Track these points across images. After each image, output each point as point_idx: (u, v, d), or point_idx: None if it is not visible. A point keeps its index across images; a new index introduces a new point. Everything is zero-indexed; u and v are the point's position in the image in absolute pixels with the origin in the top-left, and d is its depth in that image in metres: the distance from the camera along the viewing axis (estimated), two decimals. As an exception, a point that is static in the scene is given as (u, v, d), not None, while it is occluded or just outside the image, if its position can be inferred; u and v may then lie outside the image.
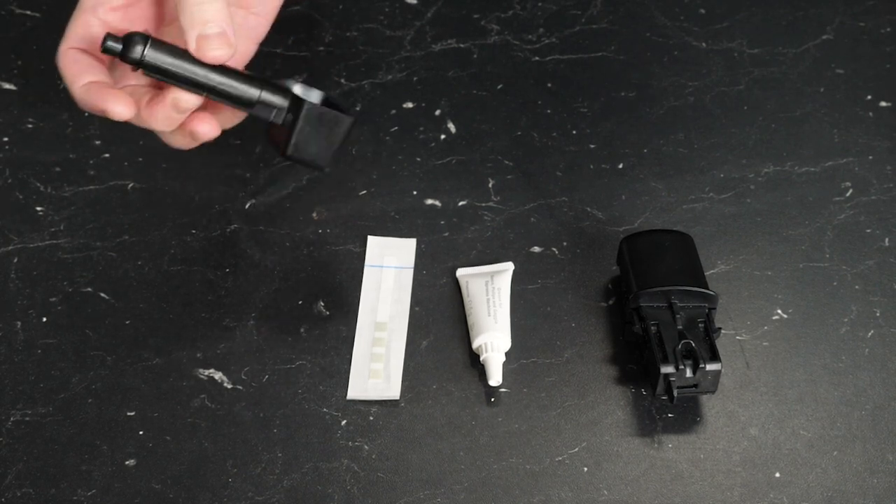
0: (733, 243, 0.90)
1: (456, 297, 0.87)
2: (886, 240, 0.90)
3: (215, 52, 0.72)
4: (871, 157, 0.94)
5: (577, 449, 0.80)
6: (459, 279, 0.88)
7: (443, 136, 0.96)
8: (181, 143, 0.78)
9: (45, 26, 1.02)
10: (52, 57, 0.76)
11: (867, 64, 1.01)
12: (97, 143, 0.95)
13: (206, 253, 0.89)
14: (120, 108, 0.73)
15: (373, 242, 0.90)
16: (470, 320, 0.85)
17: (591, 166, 0.94)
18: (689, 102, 0.98)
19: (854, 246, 0.89)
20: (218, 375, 0.83)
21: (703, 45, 1.02)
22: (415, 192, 0.93)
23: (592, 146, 0.96)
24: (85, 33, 0.76)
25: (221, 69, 0.74)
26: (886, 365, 0.83)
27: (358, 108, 0.98)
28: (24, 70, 0.99)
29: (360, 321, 0.86)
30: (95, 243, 0.90)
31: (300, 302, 0.87)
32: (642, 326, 0.81)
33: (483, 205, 0.92)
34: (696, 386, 0.79)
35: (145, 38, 0.73)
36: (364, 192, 0.93)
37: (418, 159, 0.95)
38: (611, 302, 0.87)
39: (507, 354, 0.84)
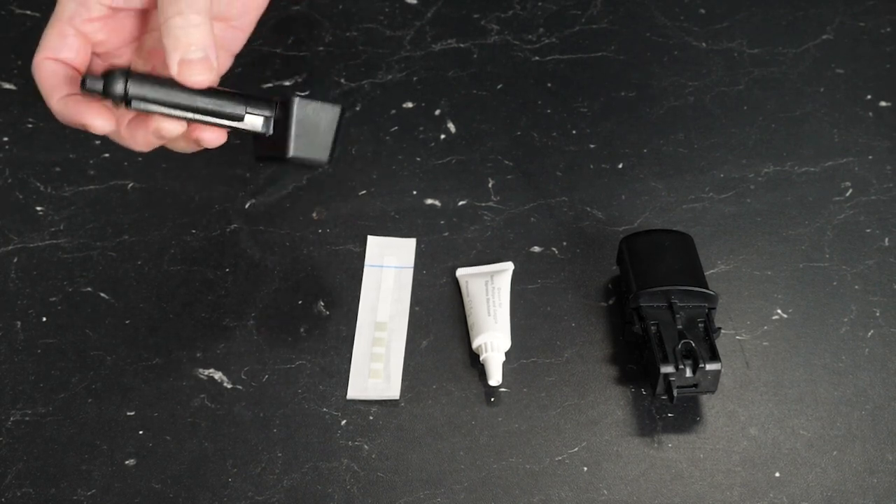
0: (733, 243, 0.90)
1: (456, 297, 0.87)
2: (886, 240, 0.90)
3: (197, 78, 0.72)
4: (871, 157, 0.94)
5: (577, 449, 0.80)
6: (459, 279, 0.88)
7: (443, 136, 0.96)
8: (185, 148, 0.77)
9: (45, 26, 1.02)
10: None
11: (867, 64, 1.01)
12: (97, 143, 0.95)
13: (206, 253, 0.89)
14: (100, 122, 0.73)
15: (373, 242, 0.90)
16: (470, 320, 0.85)
17: (591, 166, 0.95)
18: (689, 102, 0.98)
19: (854, 246, 0.89)
20: (218, 375, 0.83)
21: (703, 45, 1.02)
22: (415, 192, 0.93)
23: (592, 146, 0.96)
24: (60, 44, 0.74)
25: (204, 91, 0.74)
26: (886, 365, 0.83)
27: (358, 108, 0.98)
28: (24, 70, 0.99)
29: (360, 321, 0.86)
30: (95, 243, 0.90)
31: (300, 302, 0.87)
32: (642, 326, 0.81)
33: (483, 205, 0.92)
34: (696, 386, 0.79)
35: (125, 73, 0.72)
36: (364, 191, 0.93)
37: (418, 159, 0.95)
38: (611, 302, 0.87)
39: (507, 354, 0.84)
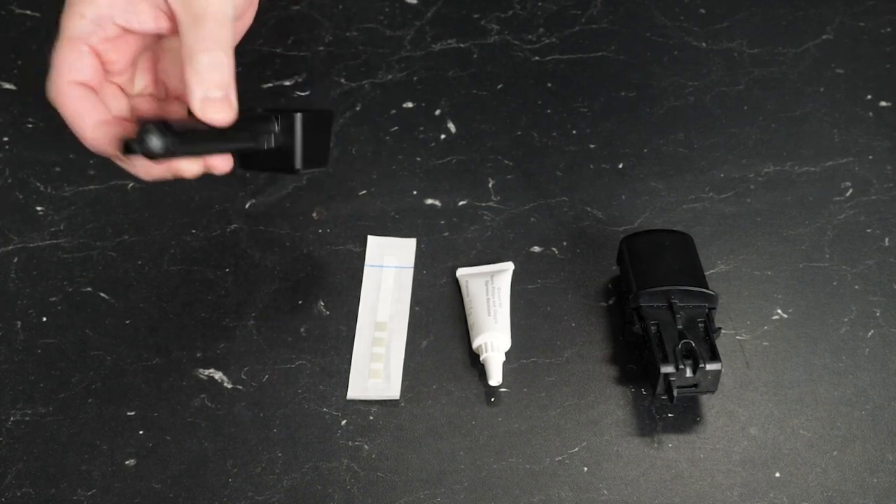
0: (733, 243, 0.90)
1: (456, 297, 0.87)
2: (886, 240, 0.90)
3: (217, 116, 0.73)
4: (871, 157, 0.94)
5: (577, 449, 0.80)
6: (459, 279, 0.88)
7: (443, 136, 0.96)
8: (193, 172, 0.77)
9: (45, 26, 1.02)
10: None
11: (867, 64, 1.01)
12: (97, 143, 0.95)
13: (206, 253, 0.89)
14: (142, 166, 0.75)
15: (373, 242, 0.90)
16: (470, 320, 0.85)
17: (591, 166, 0.94)
18: (689, 102, 0.98)
19: (854, 246, 0.89)
20: (218, 375, 0.83)
21: (703, 45, 1.02)
22: (415, 192, 0.93)
23: (592, 146, 0.96)
24: (80, 65, 0.73)
25: (220, 128, 0.74)
26: (886, 365, 0.83)
27: (358, 108, 0.98)
28: (24, 70, 0.99)
29: (360, 321, 0.86)
30: (95, 243, 0.90)
31: (300, 302, 0.87)
32: (642, 326, 0.81)
33: (483, 205, 0.92)
34: (696, 386, 0.79)
35: (161, 128, 0.69)
36: (364, 191, 0.93)
37: (418, 159, 0.95)
38: (611, 302, 0.87)
39: (507, 354, 0.84)
